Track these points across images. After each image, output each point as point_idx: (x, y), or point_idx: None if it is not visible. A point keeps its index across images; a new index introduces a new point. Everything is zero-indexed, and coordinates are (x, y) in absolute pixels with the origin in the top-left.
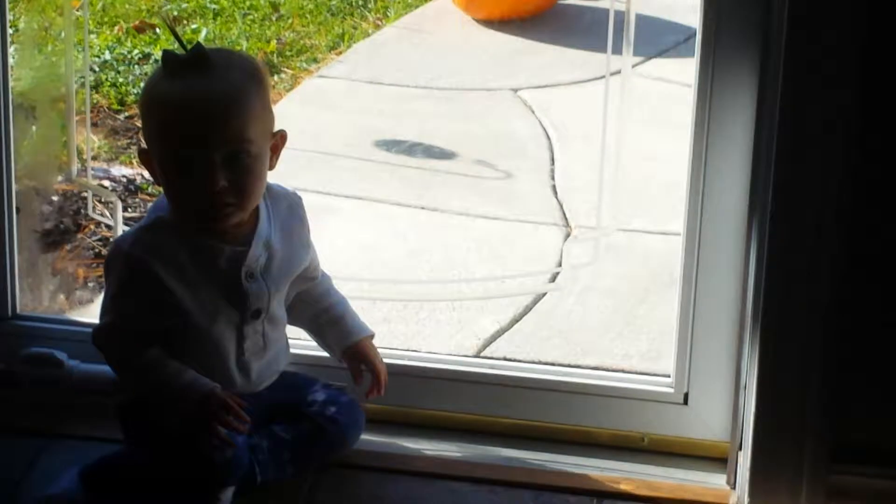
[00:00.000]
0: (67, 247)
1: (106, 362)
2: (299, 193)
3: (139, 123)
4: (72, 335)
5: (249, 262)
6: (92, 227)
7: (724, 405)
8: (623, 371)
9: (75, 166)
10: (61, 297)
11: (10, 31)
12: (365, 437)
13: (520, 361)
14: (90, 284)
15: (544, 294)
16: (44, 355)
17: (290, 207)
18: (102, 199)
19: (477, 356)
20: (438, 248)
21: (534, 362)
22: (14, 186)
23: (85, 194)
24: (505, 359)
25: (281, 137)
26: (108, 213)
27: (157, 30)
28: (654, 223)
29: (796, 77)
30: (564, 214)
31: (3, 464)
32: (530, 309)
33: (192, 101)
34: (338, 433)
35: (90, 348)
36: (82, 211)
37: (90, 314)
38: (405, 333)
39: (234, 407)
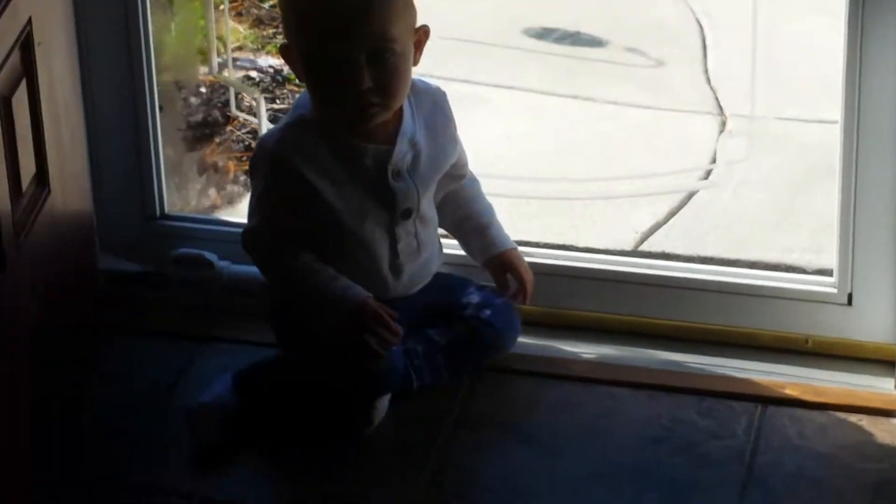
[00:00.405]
0: (217, 140)
1: (256, 266)
2: (443, 88)
3: None
4: (221, 235)
5: (395, 161)
6: (240, 120)
7: (890, 306)
8: (784, 267)
9: (216, 59)
10: (211, 194)
11: None
12: (521, 339)
13: (678, 258)
14: (241, 179)
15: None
16: (193, 256)
17: (434, 103)
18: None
19: (634, 252)
20: (590, 139)
21: (692, 258)
22: (156, 83)
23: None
24: (663, 254)
25: (424, 33)
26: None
27: None
28: (811, 111)
29: None
30: (718, 103)
31: (156, 368)
32: (686, 202)
33: None
34: (493, 336)
35: (241, 249)
36: (229, 103)
37: (241, 213)
38: (559, 229)
39: (385, 318)
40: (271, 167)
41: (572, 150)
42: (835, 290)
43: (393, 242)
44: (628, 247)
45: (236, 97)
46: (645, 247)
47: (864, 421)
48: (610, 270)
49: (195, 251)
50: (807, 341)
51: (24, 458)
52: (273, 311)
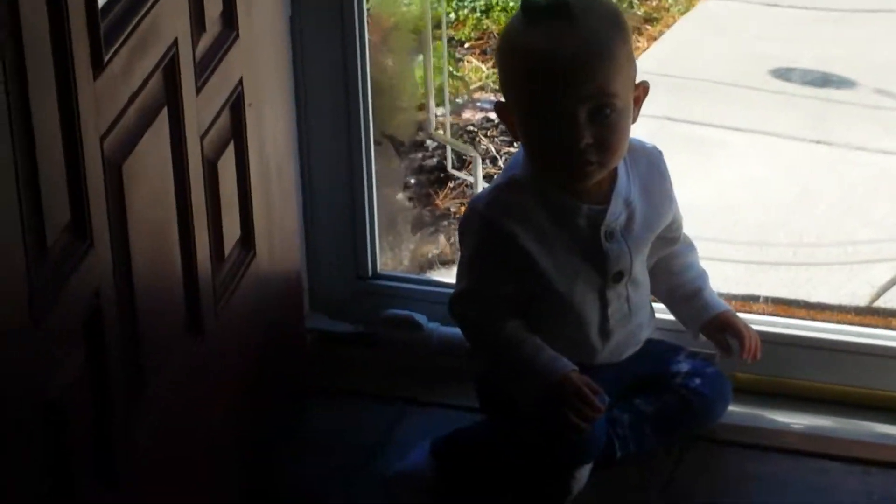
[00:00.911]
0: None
1: (461, 332)
2: (680, 132)
3: None
4: (432, 296)
5: (609, 221)
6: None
7: None
8: None
9: (434, 113)
10: (422, 256)
11: None
12: (732, 408)
13: None
14: (452, 241)
15: None
16: (403, 317)
17: (650, 163)
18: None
19: (868, 308)
20: (833, 186)
21: None
22: (373, 142)
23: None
24: None
25: (643, 89)
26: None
27: None
28: None
29: None
30: None
31: (360, 429)
32: None
33: (557, 51)
34: (703, 406)
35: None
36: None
37: (452, 275)
38: (794, 280)
39: (587, 394)
40: (481, 229)
41: (813, 197)
42: None
43: (603, 306)
44: (863, 302)
45: (451, 160)
46: (881, 302)
47: None
48: (830, 339)
49: (405, 312)
50: None
51: None
52: (480, 376)
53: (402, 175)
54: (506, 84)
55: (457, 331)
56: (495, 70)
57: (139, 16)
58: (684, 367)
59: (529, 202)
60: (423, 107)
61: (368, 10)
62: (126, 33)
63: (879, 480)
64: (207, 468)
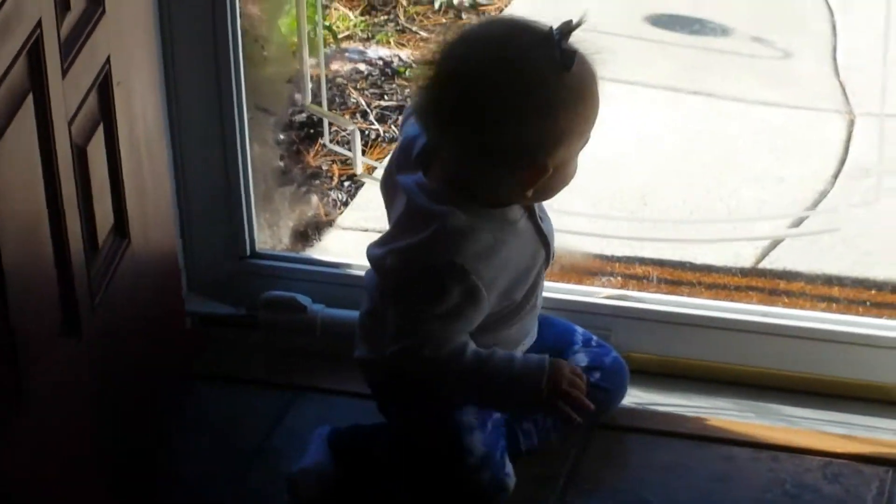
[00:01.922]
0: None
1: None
2: None
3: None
4: (316, 276)
5: (537, 206)
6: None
7: None
8: None
9: (309, 86)
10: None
11: None
12: (632, 391)
13: (800, 276)
14: (324, 201)
15: (826, 194)
16: (285, 299)
17: None
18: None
19: (754, 269)
20: (711, 140)
21: (817, 276)
22: (246, 115)
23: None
24: (784, 272)
25: None
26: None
27: None
28: None
29: None
30: (847, 99)
31: (248, 419)
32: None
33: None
34: (604, 400)
35: (335, 290)
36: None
37: (332, 252)
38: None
39: (580, 383)
40: (459, 284)
41: (694, 150)
42: None
43: (534, 289)
44: (749, 263)
45: (328, 134)
46: (766, 262)
47: None
48: (724, 318)
49: (287, 294)
50: None
51: None
52: (380, 382)
53: (274, 140)
54: (567, 137)
55: (343, 312)
56: (364, 18)
57: None
58: (583, 359)
59: (487, 236)
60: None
61: None
62: None
63: (790, 467)
64: (92, 473)
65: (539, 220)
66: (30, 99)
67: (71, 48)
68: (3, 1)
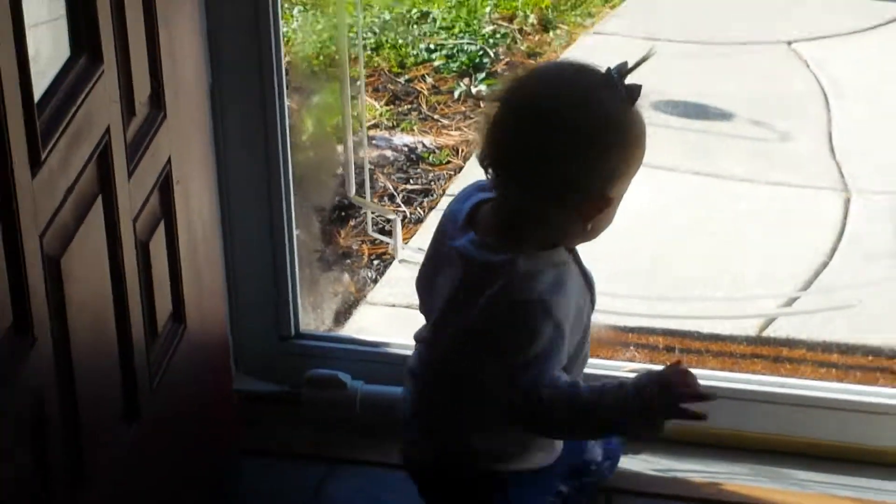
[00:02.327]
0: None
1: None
2: None
3: (420, 87)
4: (355, 355)
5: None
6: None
7: None
8: None
9: (353, 175)
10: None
11: None
12: (652, 458)
13: (802, 344)
14: (361, 291)
15: (825, 266)
16: (326, 376)
17: None
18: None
19: (759, 336)
20: (716, 218)
21: (816, 344)
22: (293, 204)
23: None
24: (787, 340)
25: None
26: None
27: None
28: None
29: None
30: (843, 177)
31: (288, 490)
32: (811, 283)
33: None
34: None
35: (373, 367)
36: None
37: (364, 327)
38: (688, 312)
39: (692, 376)
40: (547, 319)
41: (698, 229)
42: None
43: (586, 335)
44: (753, 332)
45: (370, 223)
46: (769, 331)
47: None
48: (734, 388)
49: (328, 372)
50: None
51: None
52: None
53: (317, 227)
54: (627, 167)
55: (381, 388)
56: (389, 108)
57: (74, 107)
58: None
59: (552, 273)
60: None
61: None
62: (62, 127)
63: None
64: None
65: (583, 263)
66: (99, 201)
67: (136, 151)
68: (76, 111)
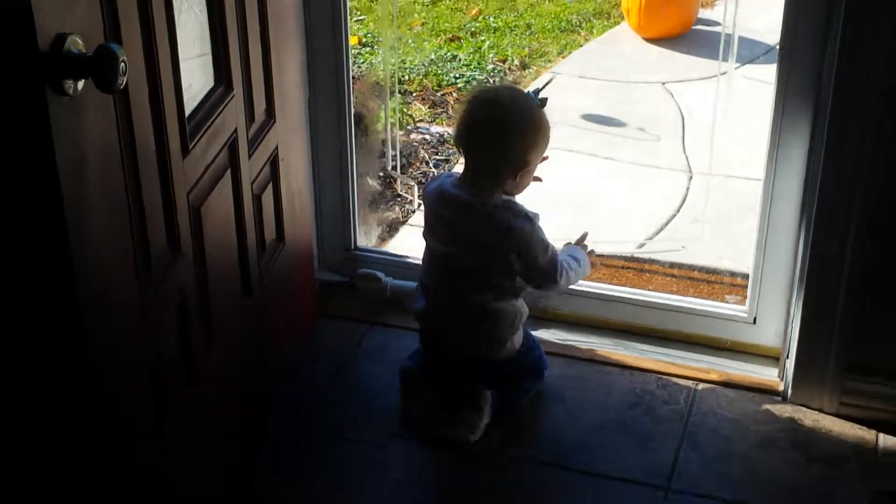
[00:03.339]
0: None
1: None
2: None
3: (450, 100)
4: (387, 261)
5: None
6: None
7: (778, 326)
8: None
9: (391, 154)
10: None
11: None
12: (561, 333)
13: (664, 263)
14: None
15: (674, 216)
16: (370, 274)
17: None
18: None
19: (632, 258)
20: (614, 185)
21: (674, 264)
22: (356, 178)
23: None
24: (650, 260)
25: None
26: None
27: (461, 40)
28: (746, 171)
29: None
30: (689, 164)
31: (339, 339)
32: (663, 228)
33: None
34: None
35: (398, 270)
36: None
37: (397, 247)
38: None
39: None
40: (535, 221)
41: (600, 190)
42: (746, 315)
43: None
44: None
45: (401, 186)
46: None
47: (756, 397)
48: (611, 294)
49: (371, 271)
50: (727, 343)
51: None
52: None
53: (371, 191)
54: (539, 145)
55: (402, 282)
56: (430, 109)
57: (213, 117)
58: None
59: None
60: (384, 141)
61: (355, 77)
62: (204, 130)
63: (640, 380)
64: (253, 383)
65: None
66: (228, 174)
67: (255, 142)
68: (214, 120)
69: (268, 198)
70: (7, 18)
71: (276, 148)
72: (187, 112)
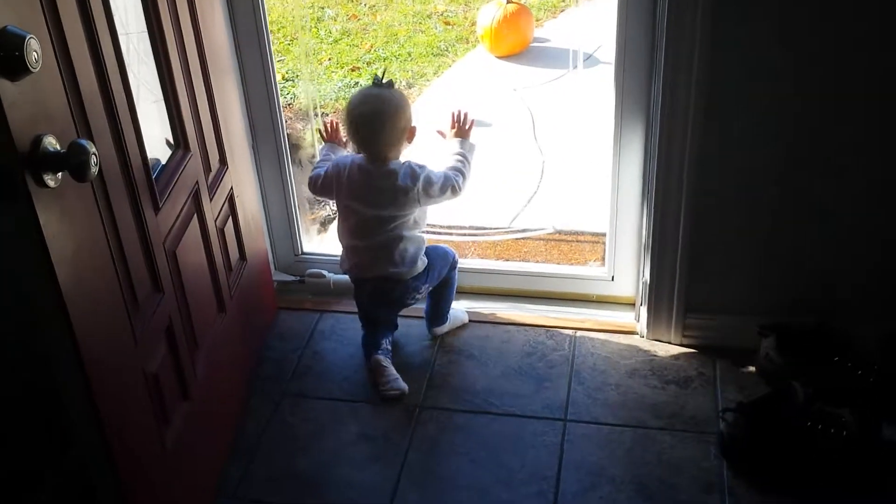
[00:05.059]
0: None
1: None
2: None
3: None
4: (329, 260)
5: None
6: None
7: (633, 280)
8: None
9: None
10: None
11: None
12: (465, 302)
13: (534, 229)
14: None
15: (535, 193)
16: (316, 273)
17: None
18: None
19: (508, 229)
20: (491, 174)
21: (543, 228)
22: (295, 193)
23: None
24: (524, 229)
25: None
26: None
27: (360, 69)
28: (593, 153)
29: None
30: (540, 148)
31: (298, 326)
32: (528, 203)
33: None
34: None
35: (336, 267)
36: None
37: (337, 248)
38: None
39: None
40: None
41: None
42: (607, 274)
43: None
44: (505, 224)
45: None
46: (516, 223)
47: (621, 337)
48: (493, 269)
49: (318, 270)
50: (594, 297)
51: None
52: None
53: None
54: (408, 108)
55: (341, 276)
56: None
57: (177, 176)
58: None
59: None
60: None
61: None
62: (170, 188)
63: (532, 333)
64: (236, 380)
65: None
66: (195, 217)
67: (213, 187)
68: (178, 178)
69: (229, 228)
70: None
71: (231, 188)
72: (155, 174)
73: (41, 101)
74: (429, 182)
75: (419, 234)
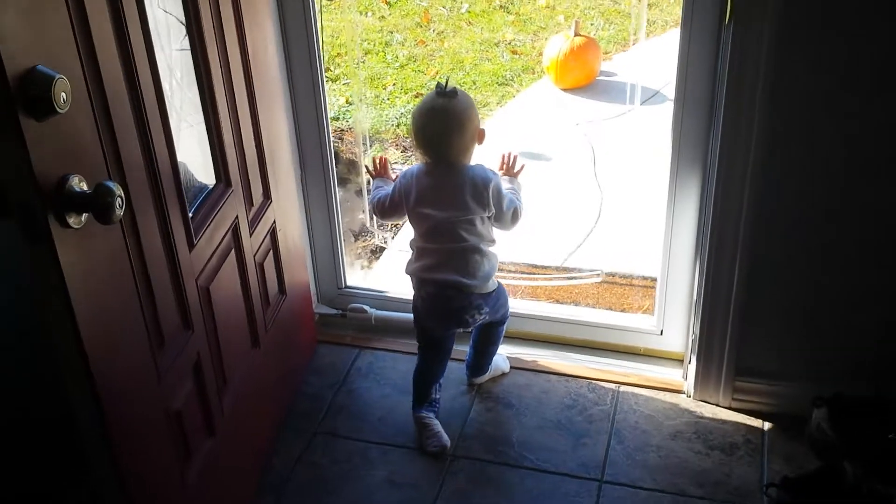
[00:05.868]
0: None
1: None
2: None
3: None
4: (373, 295)
5: None
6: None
7: (682, 335)
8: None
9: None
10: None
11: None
12: (508, 348)
13: (585, 269)
14: (374, 267)
15: (591, 231)
16: (358, 308)
17: None
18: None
19: (560, 268)
20: (547, 209)
21: (596, 272)
22: (341, 231)
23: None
24: (578, 269)
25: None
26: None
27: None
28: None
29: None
30: (599, 185)
31: (336, 361)
32: (584, 240)
33: None
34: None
35: (381, 303)
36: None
37: (381, 284)
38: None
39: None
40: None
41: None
42: (655, 327)
43: None
44: (559, 261)
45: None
46: (570, 262)
47: (667, 395)
48: (541, 315)
49: (360, 305)
50: (641, 350)
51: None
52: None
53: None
54: (476, 112)
55: (385, 312)
56: (403, 153)
57: (215, 212)
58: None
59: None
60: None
61: (343, 130)
62: (208, 223)
63: (573, 385)
64: (266, 415)
65: None
66: (233, 253)
67: (255, 222)
68: (216, 214)
69: (269, 263)
70: (12, 167)
71: (274, 222)
72: (192, 209)
73: (69, 141)
74: (499, 188)
75: (495, 253)
